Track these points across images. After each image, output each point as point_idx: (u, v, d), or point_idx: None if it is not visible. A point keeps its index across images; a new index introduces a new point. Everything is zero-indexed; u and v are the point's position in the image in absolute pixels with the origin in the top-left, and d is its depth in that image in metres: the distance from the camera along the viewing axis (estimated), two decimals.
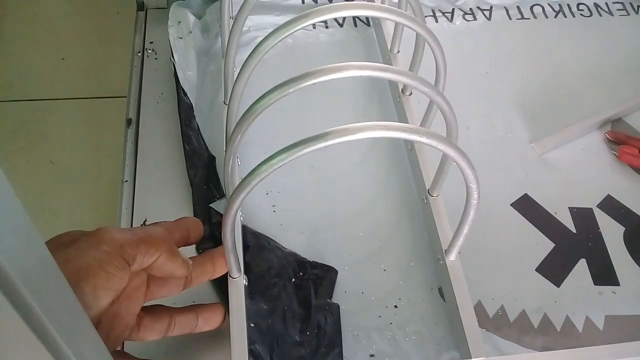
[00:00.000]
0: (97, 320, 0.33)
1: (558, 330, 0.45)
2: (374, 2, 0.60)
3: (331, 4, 0.39)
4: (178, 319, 0.39)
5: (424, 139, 0.32)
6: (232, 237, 0.38)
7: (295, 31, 0.39)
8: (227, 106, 0.51)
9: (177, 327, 0.39)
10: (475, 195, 0.37)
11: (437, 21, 0.65)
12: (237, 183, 0.44)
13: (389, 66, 0.36)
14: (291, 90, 0.34)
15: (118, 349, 0.38)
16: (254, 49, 0.40)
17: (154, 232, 0.36)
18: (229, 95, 0.49)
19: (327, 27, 0.63)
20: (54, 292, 0.21)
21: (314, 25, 0.63)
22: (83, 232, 0.34)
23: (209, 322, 0.40)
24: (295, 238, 0.48)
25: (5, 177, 0.17)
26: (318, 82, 0.34)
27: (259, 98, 0.36)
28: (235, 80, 0.42)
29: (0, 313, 0.18)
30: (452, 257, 0.43)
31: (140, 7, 0.64)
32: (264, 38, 0.40)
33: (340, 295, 0.45)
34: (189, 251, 0.46)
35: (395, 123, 0.33)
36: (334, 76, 0.34)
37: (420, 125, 0.48)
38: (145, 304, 0.38)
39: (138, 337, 0.37)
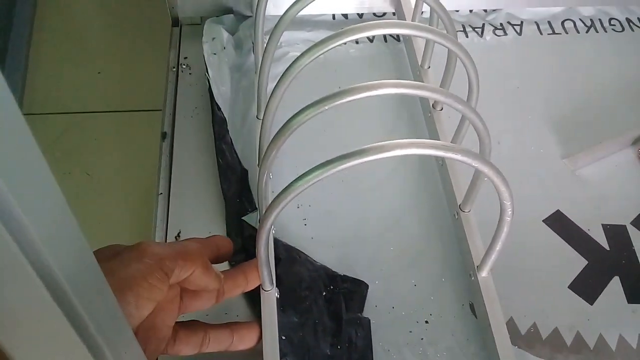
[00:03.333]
0: (135, 332, 0.34)
1: (591, 349, 0.44)
2: (405, 19, 0.61)
3: (365, 23, 0.39)
4: (213, 334, 0.39)
5: (458, 157, 0.33)
6: (266, 251, 0.39)
7: (331, 49, 0.39)
8: (260, 121, 0.52)
9: (211, 343, 0.39)
10: (509, 212, 0.37)
11: (467, 36, 0.65)
12: (270, 197, 0.45)
13: (423, 84, 0.36)
14: (327, 107, 0.35)
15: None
16: (290, 65, 0.41)
17: (190, 247, 0.38)
18: (263, 110, 0.50)
19: (357, 42, 0.64)
20: (100, 300, 0.22)
21: None
22: (124, 245, 0.36)
23: (244, 340, 0.41)
24: (326, 251, 0.48)
25: (58, 188, 0.18)
26: (354, 100, 0.35)
27: (294, 114, 0.37)
28: (270, 96, 0.43)
29: (50, 317, 0.18)
30: (484, 273, 0.43)
31: (175, 23, 0.65)
32: (300, 55, 0.40)
33: (371, 310, 0.45)
34: (222, 264, 0.46)
35: (429, 140, 0.33)
36: (370, 94, 0.34)
37: (452, 141, 0.48)
38: (181, 320, 0.39)
39: (174, 350, 0.38)
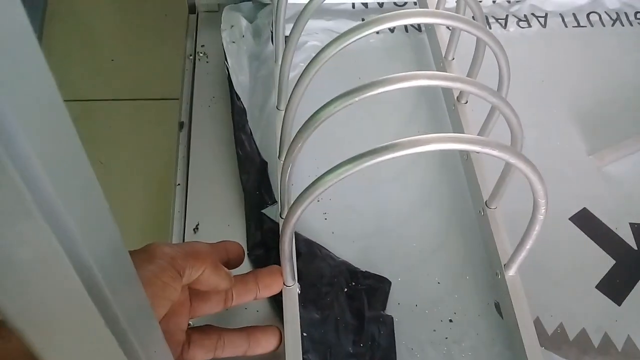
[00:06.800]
0: None
1: (619, 351, 0.43)
2: (427, 7, 0.59)
3: (395, 12, 0.38)
4: (227, 338, 0.39)
5: (495, 152, 0.31)
6: (290, 245, 0.38)
7: (358, 39, 0.38)
8: (280, 112, 0.50)
9: (227, 347, 0.39)
10: (543, 210, 0.36)
11: (490, 27, 0.63)
12: (292, 190, 0.44)
13: (458, 76, 0.35)
14: (357, 99, 0.34)
15: None
16: (315, 56, 0.40)
17: (199, 246, 0.37)
18: (284, 100, 0.49)
19: (377, 32, 0.62)
20: (130, 292, 0.21)
21: None
22: (133, 250, 0.35)
23: (261, 343, 0.40)
24: (347, 246, 0.47)
25: (95, 176, 0.17)
26: (385, 92, 0.34)
27: (323, 106, 0.35)
28: (294, 87, 0.42)
29: (82, 310, 0.17)
30: (511, 272, 0.42)
31: (192, 10, 0.64)
32: (326, 45, 0.39)
33: (394, 307, 0.44)
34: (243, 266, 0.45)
35: (465, 135, 0.32)
36: (403, 85, 0.33)
37: (479, 135, 0.47)
38: (194, 325, 0.39)
39: (189, 355, 0.38)
